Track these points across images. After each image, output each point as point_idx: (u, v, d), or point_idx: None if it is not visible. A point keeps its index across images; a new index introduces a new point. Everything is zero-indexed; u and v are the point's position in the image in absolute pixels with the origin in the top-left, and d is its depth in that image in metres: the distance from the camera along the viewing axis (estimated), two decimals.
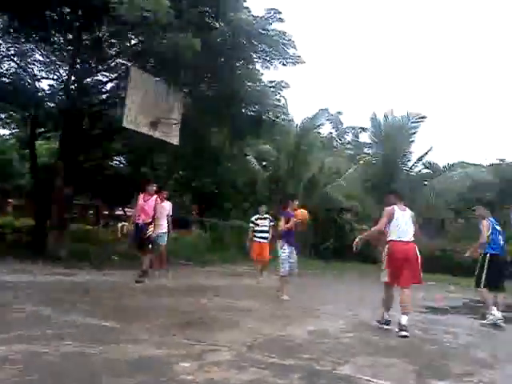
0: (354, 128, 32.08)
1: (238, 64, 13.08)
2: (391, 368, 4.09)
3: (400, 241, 5.66)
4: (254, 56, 13.30)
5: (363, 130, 30.17)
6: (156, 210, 8.81)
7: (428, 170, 21.55)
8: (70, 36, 13.13)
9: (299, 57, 13.38)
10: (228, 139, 16.71)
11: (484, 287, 7.05)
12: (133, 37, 12.73)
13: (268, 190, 21.16)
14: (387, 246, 5.76)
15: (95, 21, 12.06)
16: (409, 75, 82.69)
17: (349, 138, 32.21)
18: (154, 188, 8.99)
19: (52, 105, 14.61)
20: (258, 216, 10.60)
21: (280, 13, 12.40)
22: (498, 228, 7.36)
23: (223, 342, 4.47)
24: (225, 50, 12.07)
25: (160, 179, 18.12)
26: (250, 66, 13.59)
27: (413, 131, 19.61)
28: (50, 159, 17.89)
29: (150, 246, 8.80)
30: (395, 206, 5.91)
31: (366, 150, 29.01)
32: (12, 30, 12.24)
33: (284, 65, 13.49)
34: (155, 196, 8.93)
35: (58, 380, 3.08)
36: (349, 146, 31.30)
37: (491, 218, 7.43)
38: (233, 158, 19.22)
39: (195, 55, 10.47)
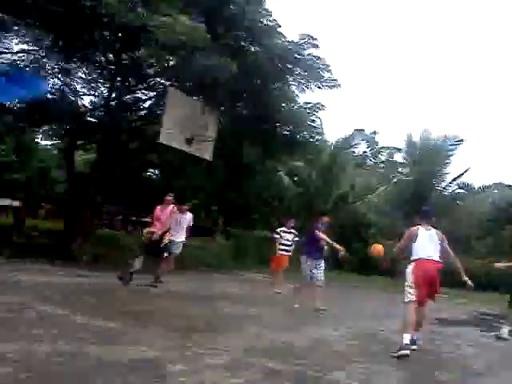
0: (388, 148, 31.80)
1: (274, 86, 13.46)
2: (380, 375, 4.19)
3: (426, 259, 5.49)
4: (290, 79, 13.66)
5: (398, 150, 29.80)
6: (172, 218, 8.95)
7: (462, 190, 21.25)
8: (111, 56, 13.90)
9: (335, 80, 13.64)
10: (261, 157, 17.08)
11: None
12: (171, 58, 13.30)
13: (296, 205, 21.34)
14: (412, 266, 5.52)
15: (134, 43, 12.66)
16: (445, 94, 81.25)
17: (383, 157, 31.92)
18: (171, 198, 9.06)
19: (92, 119, 15.44)
20: (283, 229, 10.99)
21: (315, 39, 12.79)
22: None
23: (223, 346, 4.61)
24: (261, 73, 12.46)
25: (191, 191, 18.65)
26: (286, 88, 13.93)
27: (449, 153, 19.52)
28: (86, 168, 18.77)
29: (166, 254, 8.89)
30: (420, 226, 5.79)
31: (399, 170, 28.79)
32: (57, 49, 12.99)
33: (320, 88, 13.77)
34: (171, 205, 9.03)
35: (50, 379, 3.23)
36: (382, 165, 31.07)
37: None
38: (264, 174, 19.55)
39: (231, 77, 10.89)
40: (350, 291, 13.74)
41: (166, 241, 8.75)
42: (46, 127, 15.94)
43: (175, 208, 9.05)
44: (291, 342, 5.25)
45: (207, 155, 13.45)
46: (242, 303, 8.01)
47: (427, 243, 5.59)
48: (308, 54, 12.98)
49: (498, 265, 7.90)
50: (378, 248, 7.30)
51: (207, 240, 20.47)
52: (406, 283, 5.47)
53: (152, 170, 21.70)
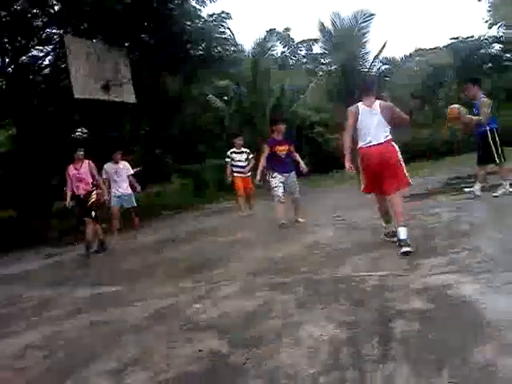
0: (305, 42, 31.51)
1: (172, 5, 12.63)
2: (383, 260, 4.39)
3: (370, 145, 4.74)
4: None
5: (315, 41, 29.64)
6: (94, 174, 8.11)
7: (387, 66, 21.48)
8: None
9: None
10: (183, 84, 16.44)
11: (489, 163, 7.28)
12: (55, 2, 12.09)
13: (237, 124, 21.07)
14: (359, 156, 4.89)
15: None
16: None
17: (302, 53, 31.70)
18: (81, 153, 8.10)
19: None
20: (233, 150, 10.22)
21: None
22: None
23: (227, 276, 4.71)
24: None
25: (126, 140, 17.94)
26: (185, 5, 13.12)
27: (364, 31, 19.23)
28: (11, 146, 17.51)
29: (94, 213, 8.04)
30: (359, 104, 4.90)
31: (322, 61, 28.71)
32: None
33: None
34: (86, 161, 8.12)
35: (84, 352, 3.25)
36: (304, 60, 30.90)
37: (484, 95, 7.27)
38: (193, 101, 18.96)
39: (126, 6, 10.09)
40: (315, 194, 13.97)
41: (93, 199, 8.00)
42: None
43: (92, 163, 8.15)
44: (289, 254, 5.37)
45: (130, 98, 12.86)
46: (223, 234, 7.98)
47: (369, 124, 4.76)
48: None
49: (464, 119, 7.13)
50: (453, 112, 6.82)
51: (165, 184, 20.13)
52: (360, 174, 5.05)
53: (80, 130, 20.56)
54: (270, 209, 8.30)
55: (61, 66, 13.62)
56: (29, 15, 12.80)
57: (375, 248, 4.88)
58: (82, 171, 7.99)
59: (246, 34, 57.87)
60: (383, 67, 21.04)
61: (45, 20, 13.12)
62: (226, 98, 22.00)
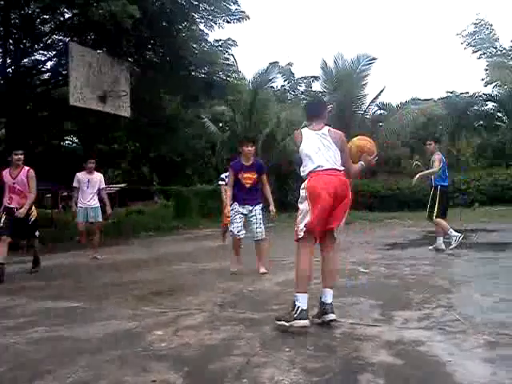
0: (306, 78, 31.99)
1: (180, 27, 12.76)
2: (356, 306, 4.27)
3: (322, 170, 3.76)
4: (196, 16, 12.99)
5: (315, 78, 30.10)
6: (30, 185, 6.74)
7: (382, 111, 21.82)
8: None
9: (243, 12, 13.17)
10: (181, 105, 16.50)
11: (437, 217, 7.52)
12: (66, 10, 12.15)
13: (229, 151, 21.11)
14: (304, 183, 3.82)
15: None
16: (356, 19, 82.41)
17: (302, 88, 32.12)
18: (18, 157, 6.76)
19: None
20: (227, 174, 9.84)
21: None
22: (445, 161, 7.76)
23: (195, 305, 4.55)
24: (165, 15, 11.73)
25: (116, 153, 17.83)
26: (194, 28, 13.27)
27: (364, 74, 19.66)
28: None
29: (37, 232, 7.27)
30: (304, 128, 4.03)
31: None
32: None
33: (228, 22, 13.28)
34: (26, 168, 6.81)
35: (32, 366, 3.08)
36: (303, 96, 31.26)
37: (440, 153, 7.74)
38: (189, 123, 19.00)
39: (135, 22, 10.14)
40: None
41: (32, 217, 6.92)
42: None
43: (31, 172, 6.81)
44: (260, 289, 5.26)
45: (125, 112, 12.84)
46: (198, 261, 7.89)
47: (320, 147, 3.81)
48: None
49: (414, 180, 7.85)
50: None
51: (147, 203, 19.92)
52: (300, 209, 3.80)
53: (70, 139, 20.45)
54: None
55: (61, 73, 13.60)
56: (38, 20, 12.87)
57: (346, 293, 4.77)
58: (18, 180, 6.72)
59: (247, 62, 58.98)
60: (379, 112, 21.39)
61: (53, 26, 13.18)
62: (220, 123, 22.12)
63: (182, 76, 13.58)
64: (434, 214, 7.53)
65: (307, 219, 3.68)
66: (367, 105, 20.24)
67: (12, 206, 6.70)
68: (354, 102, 19.65)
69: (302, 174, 3.91)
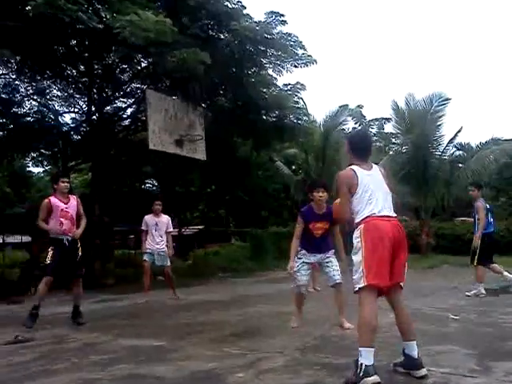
0: (377, 120, 31.69)
1: (249, 72, 13.14)
2: (448, 354, 3.98)
3: (379, 216, 3.47)
4: (264, 61, 13.29)
5: (387, 120, 29.76)
6: (81, 211, 6.46)
7: (461, 152, 21.00)
8: (82, 67, 13.49)
9: (310, 56, 13.27)
10: (253, 148, 16.80)
11: (478, 264, 7.83)
12: (142, 60, 12.93)
13: (302, 193, 21.11)
14: (359, 231, 3.48)
15: (103, 49, 12.26)
16: (427, 57, 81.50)
17: (374, 130, 31.76)
18: (67, 184, 6.40)
19: (78, 137, 15.04)
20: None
21: (282, 15, 12.34)
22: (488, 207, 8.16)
23: (275, 348, 4.44)
24: (234, 60, 12.13)
25: (193, 196, 18.33)
26: (263, 72, 13.62)
27: (439, 114, 19.09)
28: (86, 190, 18.37)
29: (83, 270, 6.78)
30: (354, 167, 3.59)
31: (393, 141, 28.54)
32: (26, 70, 12.60)
33: (296, 66, 13.41)
34: (74, 195, 6.64)
35: None
36: (375, 138, 30.91)
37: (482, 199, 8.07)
38: (261, 166, 19.26)
39: (206, 69, 10.55)
40: None
41: (80, 252, 6.50)
42: (33, 153, 15.47)
43: (78, 199, 6.56)
44: (342, 334, 5.06)
45: (201, 155, 13.16)
46: (275, 303, 7.73)
47: (375, 190, 3.52)
48: (278, 33, 12.58)
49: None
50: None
51: (224, 245, 20.15)
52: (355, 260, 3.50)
53: (150, 182, 21.39)
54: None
55: (140, 119, 14.36)
56: (117, 70, 13.79)
57: (436, 341, 4.47)
58: (70, 205, 6.33)
59: (317, 105, 59.49)
60: (457, 153, 20.58)
61: (130, 75, 14.05)
62: (293, 166, 22.23)
63: (252, 120, 13.86)
64: (475, 262, 7.78)
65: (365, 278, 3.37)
66: (444, 146, 19.54)
67: (61, 237, 6.19)
68: (430, 143, 19.02)
69: (356, 218, 3.53)
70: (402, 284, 3.60)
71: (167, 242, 8.57)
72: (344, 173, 3.61)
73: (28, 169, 20.87)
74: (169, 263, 8.61)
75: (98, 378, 3.71)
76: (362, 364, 3.21)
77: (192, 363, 4.03)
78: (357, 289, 3.44)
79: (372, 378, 3.14)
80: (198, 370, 3.82)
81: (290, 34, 12.69)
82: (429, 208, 18.99)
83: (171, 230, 8.80)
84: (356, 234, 3.47)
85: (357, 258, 3.45)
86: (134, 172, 17.67)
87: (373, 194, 3.50)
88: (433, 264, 14.51)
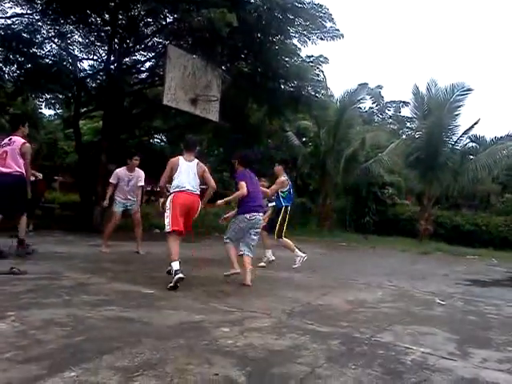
0: (395, 102, 31.35)
1: (274, 39, 12.92)
2: (431, 336, 4.06)
3: (182, 191, 5.52)
4: (291, 31, 13.03)
5: (405, 103, 29.43)
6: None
7: (474, 144, 20.81)
8: (107, 16, 13.31)
9: (337, 30, 13.01)
10: (267, 115, 16.68)
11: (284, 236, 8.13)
12: (168, 15, 12.74)
13: (309, 166, 21.09)
14: (170, 197, 5.56)
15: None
16: (452, 44, 79.76)
17: (390, 112, 31.49)
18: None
19: (94, 84, 14.95)
20: None
21: None
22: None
23: (262, 309, 4.54)
24: (261, 26, 11.93)
25: (200, 156, 18.31)
26: (288, 41, 13.38)
27: (458, 104, 18.82)
28: (94, 138, 18.41)
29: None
30: (181, 157, 5.74)
31: (408, 125, 28.33)
32: (51, 12, 12.44)
33: (322, 39, 13.16)
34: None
35: (103, 341, 3.20)
36: (390, 120, 30.65)
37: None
38: (272, 134, 19.14)
39: (231, 31, 10.38)
40: (369, 252, 13.65)
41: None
42: (48, 95, 15.40)
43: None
44: (329, 304, 5.16)
45: (213, 116, 13.12)
46: (269, 267, 7.92)
47: (185, 174, 5.61)
48: (309, 3, 12.31)
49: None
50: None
51: (225, 207, 20.25)
52: (166, 214, 5.53)
53: (159, 137, 21.34)
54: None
55: (157, 73, 14.24)
56: (142, 23, 13.60)
57: (422, 322, 4.56)
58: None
59: (336, 81, 58.68)
60: (470, 144, 20.40)
61: (154, 29, 13.86)
62: (304, 138, 22.08)
63: (270, 88, 13.72)
64: (283, 234, 8.10)
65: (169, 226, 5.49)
66: (458, 136, 19.34)
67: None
68: (444, 132, 18.85)
69: (171, 188, 5.65)
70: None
71: (136, 196, 8.60)
72: (173, 159, 5.77)
73: (40, 110, 20.83)
74: (138, 208, 8.65)
75: (88, 316, 3.82)
76: (173, 269, 5.23)
77: (180, 313, 4.14)
78: (166, 231, 5.49)
79: (179, 274, 5.15)
80: (186, 320, 3.93)
81: (321, 6, 12.42)
82: (432, 195, 18.98)
83: (142, 184, 8.71)
84: (168, 197, 5.59)
85: (166, 214, 5.51)
86: (144, 126, 17.60)
87: (183, 176, 5.61)
88: (427, 250, 14.62)
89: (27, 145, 6.71)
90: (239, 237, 6.26)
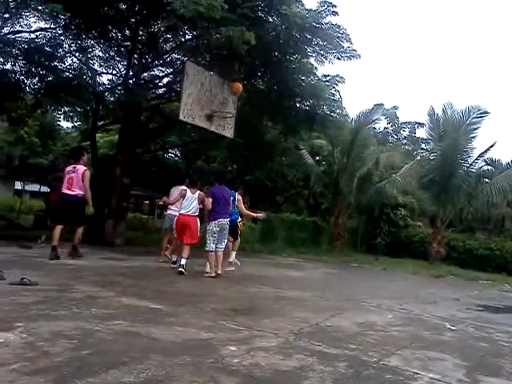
0: (410, 123, 31.30)
1: (291, 58, 13.03)
2: (440, 362, 4.00)
3: (183, 214, 8.30)
4: (308, 50, 13.12)
5: (420, 125, 29.37)
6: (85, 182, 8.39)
7: (490, 167, 20.64)
8: (127, 32, 13.57)
9: (355, 51, 13.06)
10: (282, 133, 16.73)
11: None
12: (187, 32, 12.93)
13: (322, 184, 21.06)
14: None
15: (150, 16, 12.34)
16: (469, 66, 79.61)
17: (405, 133, 31.43)
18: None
19: (112, 98, 15.19)
20: None
21: (334, 6, 12.14)
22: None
23: (270, 329, 4.51)
24: (278, 44, 12.04)
25: (213, 172, 18.41)
26: (304, 60, 13.48)
27: (474, 127, 18.74)
28: (109, 151, 18.63)
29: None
30: (188, 189, 8.51)
31: (423, 146, 28.17)
32: (73, 27, 12.72)
33: (339, 59, 13.20)
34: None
35: (110, 355, 3.20)
36: (405, 141, 30.56)
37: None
38: (286, 152, 19.18)
39: (249, 49, 10.49)
40: (380, 273, 13.56)
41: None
42: (67, 108, 15.66)
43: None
44: (338, 326, 5.12)
45: (228, 133, 13.17)
46: (277, 286, 7.87)
47: (188, 202, 8.29)
48: (327, 23, 12.39)
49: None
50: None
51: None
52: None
53: (173, 152, 21.48)
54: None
55: (175, 89, 14.41)
56: (161, 39, 13.83)
57: (431, 347, 4.49)
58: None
59: (352, 100, 58.83)
60: (485, 167, 20.23)
61: (173, 45, 14.08)
62: (317, 157, 22.10)
63: (286, 106, 13.80)
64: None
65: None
66: (474, 158, 19.21)
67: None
68: (459, 154, 18.74)
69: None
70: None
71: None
72: (182, 188, 8.84)
73: (58, 122, 21.19)
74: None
75: (97, 329, 3.83)
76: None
77: (188, 330, 4.14)
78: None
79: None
80: (193, 337, 3.92)
81: (338, 26, 12.49)
82: (446, 218, 18.80)
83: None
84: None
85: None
86: (159, 140, 17.78)
87: (187, 202, 8.34)
88: (439, 273, 14.45)
89: (87, 172, 8.50)
90: (217, 239, 8.07)
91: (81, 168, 8.43)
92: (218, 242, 8.11)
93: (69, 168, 8.51)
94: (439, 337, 5.09)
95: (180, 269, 7.74)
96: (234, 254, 9.51)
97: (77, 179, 8.31)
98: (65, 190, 8.34)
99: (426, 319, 6.17)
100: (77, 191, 8.27)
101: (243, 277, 8.81)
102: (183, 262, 7.84)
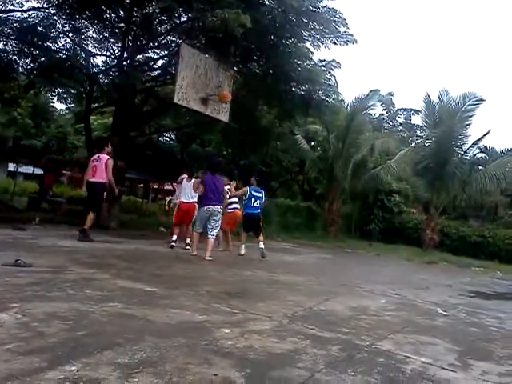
0: (405, 110, 31.30)
1: (287, 42, 12.92)
2: (432, 346, 4.04)
3: (183, 201, 9.52)
4: (305, 34, 13.04)
5: (415, 112, 29.34)
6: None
7: (484, 155, 20.72)
8: (121, 13, 13.40)
9: (351, 35, 12.99)
10: (277, 118, 16.67)
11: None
12: (183, 14, 12.78)
13: (317, 169, 21.06)
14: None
15: None
16: (465, 54, 79.42)
17: (400, 120, 31.42)
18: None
19: (106, 80, 15.04)
20: None
21: None
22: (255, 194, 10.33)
23: (264, 312, 4.54)
24: (274, 28, 11.93)
25: (207, 155, 18.36)
26: (300, 45, 13.38)
27: (469, 114, 18.75)
28: (104, 133, 18.51)
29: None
30: (185, 177, 9.62)
31: (418, 133, 28.19)
32: (66, 7, 12.55)
33: (335, 43, 13.14)
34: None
35: (105, 337, 3.22)
36: (400, 128, 30.56)
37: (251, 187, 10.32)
38: (281, 137, 19.14)
39: (245, 32, 10.39)
40: (373, 259, 13.63)
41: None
42: (60, 89, 15.50)
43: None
44: (331, 310, 5.16)
45: (224, 117, 13.12)
46: (271, 270, 7.91)
47: (186, 190, 9.50)
48: (323, 7, 12.33)
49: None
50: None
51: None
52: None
53: (168, 135, 21.35)
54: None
55: (170, 72, 14.28)
56: (156, 20, 13.65)
57: (424, 332, 4.54)
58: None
59: (348, 86, 58.52)
60: (480, 155, 20.31)
61: (168, 27, 13.91)
62: (313, 142, 22.07)
63: (281, 90, 13.73)
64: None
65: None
66: (468, 146, 19.27)
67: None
68: (454, 141, 18.78)
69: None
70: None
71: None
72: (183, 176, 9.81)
73: (52, 104, 21.00)
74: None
75: (91, 311, 3.84)
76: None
77: (183, 313, 4.15)
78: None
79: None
80: (188, 320, 3.94)
81: (335, 10, 12.42)
82: (439, 205, 18.91)
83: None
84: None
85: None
86: (153, 123, 17.66)
87: (185, 191, 9.52)
88: (432, 260, 14.58)
89: (110, 160, 9.18)
90: (204, 224, 8.57)
91: (104, 157, 9.16)
92: (210, 228, 8.57)
93: (93, 157, 9.36)
94: (431, 322, 5.14)
95: (172, 243, 9.21)
96: (243, 246, 9.95)
97: (100, 168, 9.03)
98: (89, 178, 9.09)
99: (418, 304, 6.24)
100: (100, 179, 9.03)
101: (238, 261, 8.84)
102: (174, 238, 9.37)
